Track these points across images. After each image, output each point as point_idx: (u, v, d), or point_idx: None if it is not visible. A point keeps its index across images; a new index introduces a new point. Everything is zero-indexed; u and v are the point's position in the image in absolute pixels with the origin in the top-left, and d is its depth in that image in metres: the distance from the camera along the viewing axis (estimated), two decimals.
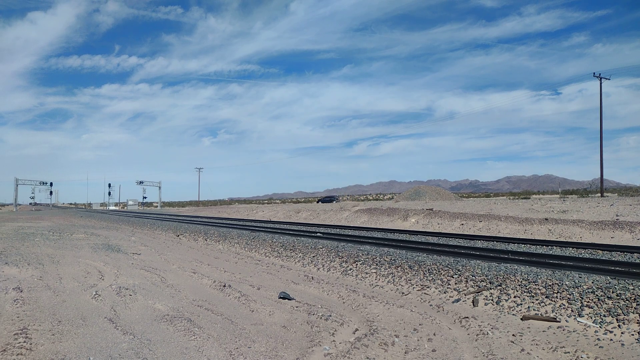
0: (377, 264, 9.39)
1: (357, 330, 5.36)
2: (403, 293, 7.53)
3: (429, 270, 8.36)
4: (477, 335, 5.19)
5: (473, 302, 6.60)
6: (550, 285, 6.58)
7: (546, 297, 6.23)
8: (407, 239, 14.40)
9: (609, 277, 7.02)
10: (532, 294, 6.41)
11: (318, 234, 16.06)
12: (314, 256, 11.22)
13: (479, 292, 6.91)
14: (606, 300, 5.76)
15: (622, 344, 4.77)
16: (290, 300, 6.89)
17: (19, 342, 4.72)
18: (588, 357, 4.42)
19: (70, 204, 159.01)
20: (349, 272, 9.36)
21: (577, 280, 6.75)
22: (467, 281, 7.44)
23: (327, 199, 70.12)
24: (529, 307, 6.09)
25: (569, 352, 4.57)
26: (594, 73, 41.53)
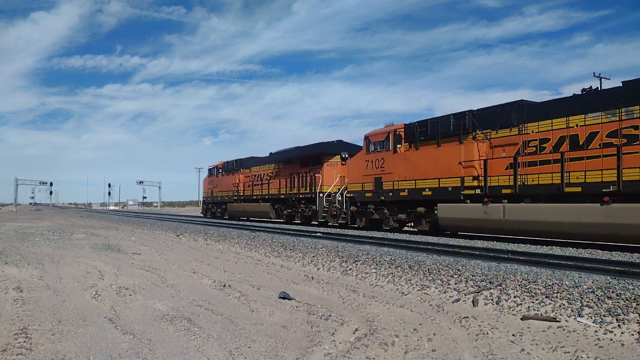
0: (377, 264, 9.39)
1: (357, 330, 5.36)
2: (403, 293, 7.53)
3: (429, 270, 8.36)
4: (477, 335, 5.19)
5: (473, 302, 6.60)
6: (550, 285, 6.58)
7: (546, 297, 6.23)
8: (407, 238, 14.39)
9: (609, 277, 7.02)
10: (532, 294, 6.41)
11: (318, 234, 16.05)
12: (314, 256, 11.22)
13: (478, 292, 6.91)
14: (606, 300, 5.76)
15: (622, 344, 4.77)
16: (290, 300, 6.90)
17: (19, 342, 4.72)
18: (588, 357, 4.42)
19: (70, 203, 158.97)
20: (349, 272, 9.36)
21: (577, 280, 6.75)
22: (467, 281, 7.44)
23: None
24: (529, 307, 6.09)
25: (569, 352, 4.57)
26: (594, 73, 41.52)
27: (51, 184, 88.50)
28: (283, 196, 25.03)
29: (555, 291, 6.33)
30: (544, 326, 5.46)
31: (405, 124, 16.97)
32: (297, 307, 6.50)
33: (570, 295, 6.11)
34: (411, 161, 16.22)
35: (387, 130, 17.50)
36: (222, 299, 7.05)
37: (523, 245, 12.54)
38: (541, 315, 5.79)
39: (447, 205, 14.76)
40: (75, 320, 5.68)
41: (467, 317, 5.88)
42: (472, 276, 7.57)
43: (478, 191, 13.99)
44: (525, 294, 6.49)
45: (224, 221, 28.73)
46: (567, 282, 6.62)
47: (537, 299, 6.24)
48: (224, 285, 7.88)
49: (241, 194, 29.92)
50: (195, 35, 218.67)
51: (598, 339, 4.94)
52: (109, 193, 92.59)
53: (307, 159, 23.69)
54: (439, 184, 15.05)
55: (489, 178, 13.62)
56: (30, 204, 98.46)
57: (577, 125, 11.87)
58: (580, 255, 9.99)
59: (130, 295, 7.15)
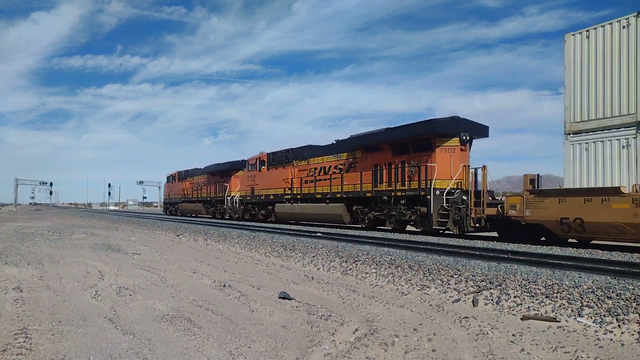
0: (377, 264, 9.40)
1: (357, 330, 5.36)
2: (403, 293, 7.54)
3: (429, 270, 8.36)
4: (477, 335, 5.20)
5: (473, 302, 6.60)
6: (550, 285, 6.58)
7: (546, 297, 6.24)
8: (407, 238, 14.39)
9: (609, 277, 7.03)
10: (532, 294, 6.41)
11: (318, 234, 16.06)
12: (314, 256, 11.22)
13: (478, 292, 6.91)
14: (606, 300, 5.76)
15: (622, 344, 4.77)
16: (290, 300, 6.90)
17: (19, 342, 4.73)
18: (588, 357, 4.43)
19: (70, 203, 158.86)
20: (349, 272, 9.37)
21: (577, 280, 6.75)
22: (467, 281, 7.44)
23: None
24: (529, 307, 6.09)
25: (569, 352, 4.57)
26: None
27: (51, 184, 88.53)
28: (209, 198, 34.79)
29: (555, 291, 6.33)
30: (544, 326, 5.46)
31: (267, 153, 26.11)
32: (297, 307, 6.50)
33: (570, 295, 6.11)
34: (266, 177, 25.80)
35: (257, 157, 27.23)
36: (222, 299, 7.05)
37: (523, 245, 12.55)
38: (541, 315, 5.79)
39: (279, 205, 24.41)
40: (75, 320, 5.69)
41: (467, 317, 5.88)
42: (472, 276, 7.57)
43: (290, 197, 23.54)
44: (525, 294, 6.49)
45: (224, 221, 29.07)
46: (567, 282, 6.62)
47: (537, 299, 6.25)
48: (224, 285, 7.88)
49: (186, 196, 39.57)
50: (195, 35, 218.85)
51: (598, 339, 4.94)
52: (109, 193, 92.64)
53: (222, 172, 32.76)
54: (276, 192, 24.64)
55: (294, 189, 23.33)
56: (30, 204, 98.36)
57: (325, 161, 21.47)
58: (580, 256, 10.00)
59: (130, 295, 7.15)
